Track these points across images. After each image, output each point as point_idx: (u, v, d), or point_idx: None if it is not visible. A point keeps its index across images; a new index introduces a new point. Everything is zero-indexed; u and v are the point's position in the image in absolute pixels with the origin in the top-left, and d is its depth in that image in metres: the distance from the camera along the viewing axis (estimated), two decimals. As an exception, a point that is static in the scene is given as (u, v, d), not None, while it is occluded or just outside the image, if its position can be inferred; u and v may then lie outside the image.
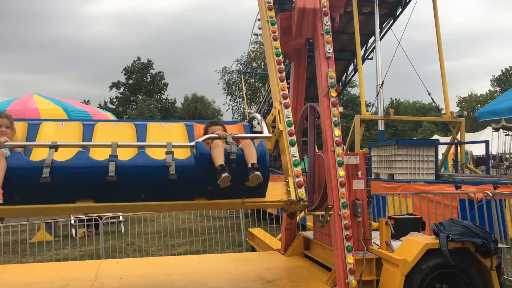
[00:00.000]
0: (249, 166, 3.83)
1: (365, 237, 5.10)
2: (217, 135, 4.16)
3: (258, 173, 3.74)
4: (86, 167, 3.61)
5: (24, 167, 3.53)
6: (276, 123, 4.65)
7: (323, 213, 4.74)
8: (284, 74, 4.88)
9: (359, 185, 5.24)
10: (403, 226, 5.34)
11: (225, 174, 3.66)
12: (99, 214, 12.98)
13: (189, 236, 9.99)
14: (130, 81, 59.34)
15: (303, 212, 7.28)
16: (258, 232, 8.17)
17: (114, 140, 3.89)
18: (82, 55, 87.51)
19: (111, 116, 14.30)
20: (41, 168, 3.48)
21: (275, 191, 4.21)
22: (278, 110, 4.65)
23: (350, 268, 4.53)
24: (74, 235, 11.16)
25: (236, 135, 4.24)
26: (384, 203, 9.04)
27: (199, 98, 57.40)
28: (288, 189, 4.19)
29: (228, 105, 53.29)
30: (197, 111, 55.21)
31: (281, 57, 4.89)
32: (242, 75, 34.68)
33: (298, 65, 6.24)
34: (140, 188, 3.78)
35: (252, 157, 3.87)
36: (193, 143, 4.01)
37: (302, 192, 4.16)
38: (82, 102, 31.69)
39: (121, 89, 59.54)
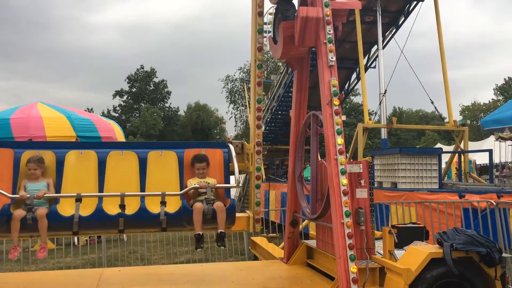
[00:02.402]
0: (218, 232, 5.00)
1: (368, 246, 5.07)
2: (198, 186, 5.04)
3: (223, 247, 5.17)
4: (103, 221, 4.85)
5: (59, 224, 4.76)
6: (249, 158, 5.67)
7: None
8: (261, 121, 5.70)
9: (362, 193, 5.22)
10: (406, 235, 5.31)
11: (199, 250, 5.04)
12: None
13: (191, 245, 9.95)
14: (133, 89, 59.58)
15: (306, 221, 7.26)
16: (261, 240, 8.13)
17: (122, 173, 5.14)
18: (86, 63, 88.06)
19: (114, 124, 14.35)
20: (72, 220, 4.68)
21: (241, 222, 5.54)
22: (252, 153, 5.61)
23: (353, 277, 4.50)
24: (76, 243, 11.14)
25: (214, 186, 5.14)
26: (387, 212, 9.01)
27: (202, 107, 57.57)
28: (249, 223, 5.62)
29: (231, 113, 53.45)
30: (199, 119, 55.35)
31: (261, 105, 5.69)
32: (245, 83, 34.78)
33: (300, 73, 6.25)
34: (140, 231, 5.63)
35: (221, 225, 4.98)
36: (181, 193, 5.02)
37: (258, 227, 5.61)
38: (86, 110, 31.83)
39: (124, 97, 59.78)
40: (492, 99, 58.80)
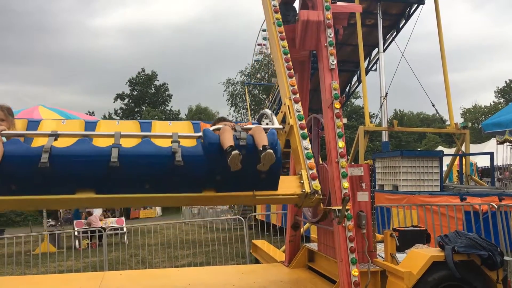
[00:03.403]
0: (260, 148, 3.57)
1: (369, 249, 5.07)
2: (223, 126, 3.86)
3: (270, 150, 3.49)
4: (88, 153, 3.46)
5: (22, 153, 3.38)
6: (286, 120, 4.49)
7: (339, 207, 4.21)
8: (292, 71, 4.82)
9: (363, 196, 5.22)
10: (408, 238, 5.31)
11: (236, 151, 3.43)
12: (102, 226, 13.01)
13: (192, 248, 9.97)
14: (135, 93, 59.60)
15: (307, 224, 7.25)
16: (262, 244, 8.14)
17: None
18: (88, 66, 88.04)
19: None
20: (40, 154, 3.31)
21: (288, 184, 3.95)
22: (288, 106, 4.50)
23: (354, 280, 4.50)
24: (77, 246, 11.13)
25: (245, 126, 3.95)
26: (388, 215, 9.00)
27: (203, 110, 57.64)
28: (302, 181, 3.94)
29: (232, 116, 53.48)
30: (201, 122, 55.32)
31: (288, 55, 4.81)
32: (246, 87, 34.85)
33: (301, 76, 6.26)
34: (144, 177, 3.58)
35: (263, 140, 3.63)
36: (200, 134, 3.80)
37: (316, 184, 3.92)
38: (87, 114, 31.91)
39: (126, 101, 59.80)
40: (493, 102, 58.75)
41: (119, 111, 59.28)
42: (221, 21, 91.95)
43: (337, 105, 4.89)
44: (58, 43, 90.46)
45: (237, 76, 52.81)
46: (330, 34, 5.04)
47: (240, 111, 52.45)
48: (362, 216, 5.10)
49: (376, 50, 16.07)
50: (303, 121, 4.39)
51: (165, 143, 3.69)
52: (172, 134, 3.72)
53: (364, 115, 13.69)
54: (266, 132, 3.87)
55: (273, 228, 10.76)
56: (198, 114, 56.12)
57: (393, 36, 15.94)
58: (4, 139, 3.56)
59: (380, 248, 5.31)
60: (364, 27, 14.22)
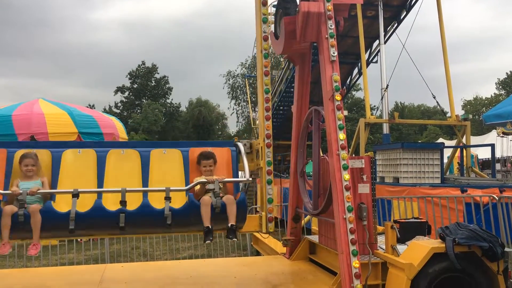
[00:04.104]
0: (229, 225, 4.67)
1: (370, 241, 5.08)
2: (205, 180, 4.84)
3: (235, 239, 4.76)
4: (102, 218, 4.57)
5: (55, 221, 4.47)
6: (259, 155, 5.36)
7: (289, 238, 6.34)
8: (270, 113, 5.28)
9: (364, 188, 5.22)
10: (408, 230, 5.31)
11: (208, 242, 4.65)
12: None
13: (193, 240, 9.98)
14: (135, 86, 59.47)
15: (308, 216, 7.26)
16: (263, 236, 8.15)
17: (123, 172, 4.93)
18: (88, 60, 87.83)
19: (115, 120, 14.35)
20: (68, 218, 4.39)
21: (252, 222, 5.26)
22: (261, 147, 5.25)
23: (355, 272, 4.51)
24: (79, 239, 11.17)
25: (222, 180, 4.88)
26: (389, 207, 9.01)
27: (204, 102, 57.54)
28: (261, 223, 5.22)
29: (233, 109, 53.45)
30: (201, 115, 55.31)
31: (269, 95, 5.27)
32: (246, 79, 34.78)
33: (302, 68, 6.24)
34: (144, 228, 4.99)
35: (232, 217, 4.69)
36: (187, 188, 4.85)
37: (271, 226, 5.18)
38: (87, 107, 31.83)
39: (126, 94, 59.69)
40: (494, 94, 58.62)
41: (119, 104, 59.21)
42: (222, 15, 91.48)
43: (338, 97, 4.88)
44: (57, 36, 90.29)
45: (238, 68, 52.82)
46: (331, 25, 5.01)
47: (240, 104, 52.45)
48: (363, 208, 5.10)
49: (377, 42, 16.01)
50: (271, 167, 5.20)
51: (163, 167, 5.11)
52: (165, 189, 4.66)
53: (365, 108, 13.68)
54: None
55: (274, 220, 10.78)
56: (199, 107, 56.01)
57: (394, 27, 15.87)
58: (39, 200, 4.59)
59: (381, 240, 5.32)
60: (365, 18, 14.16)
